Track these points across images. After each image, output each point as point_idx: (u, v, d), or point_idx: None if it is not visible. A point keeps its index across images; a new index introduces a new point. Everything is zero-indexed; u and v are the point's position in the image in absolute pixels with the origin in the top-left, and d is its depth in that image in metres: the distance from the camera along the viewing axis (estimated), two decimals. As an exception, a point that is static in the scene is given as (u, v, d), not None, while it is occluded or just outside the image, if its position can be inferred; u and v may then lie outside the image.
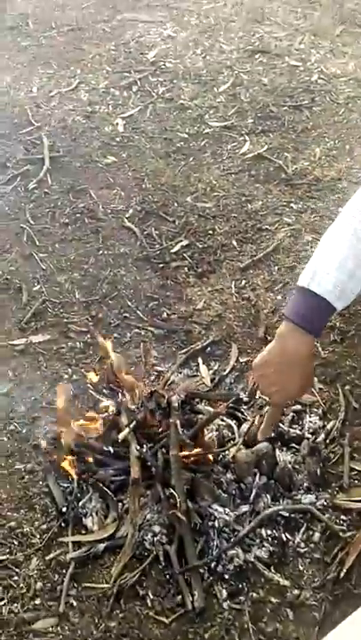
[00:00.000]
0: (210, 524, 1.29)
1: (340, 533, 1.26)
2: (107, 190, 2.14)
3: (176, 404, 1.42)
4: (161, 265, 1.89)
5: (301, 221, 1.95)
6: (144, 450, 1.36)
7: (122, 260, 1.90)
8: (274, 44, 2.75)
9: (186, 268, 1.87)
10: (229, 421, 1.47)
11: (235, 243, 1.92)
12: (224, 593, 1.21)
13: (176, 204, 2.08)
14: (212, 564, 1.24)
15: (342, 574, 1.21)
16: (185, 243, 1.94)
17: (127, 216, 2.04)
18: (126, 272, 1.87)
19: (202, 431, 1.40)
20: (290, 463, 1.38)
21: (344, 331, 1.63)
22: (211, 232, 1.96)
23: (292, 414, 1.49)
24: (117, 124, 2.41)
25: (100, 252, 1.93)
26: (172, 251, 1.92)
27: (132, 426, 1.40)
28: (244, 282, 1.81)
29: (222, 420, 1.48)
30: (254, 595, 1.21)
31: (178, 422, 1.37)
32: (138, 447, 1.36)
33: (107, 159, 2.26)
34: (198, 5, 3.13)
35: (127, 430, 1.38)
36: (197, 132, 2.36)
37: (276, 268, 1.83)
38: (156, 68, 2.72)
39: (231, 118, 2.39)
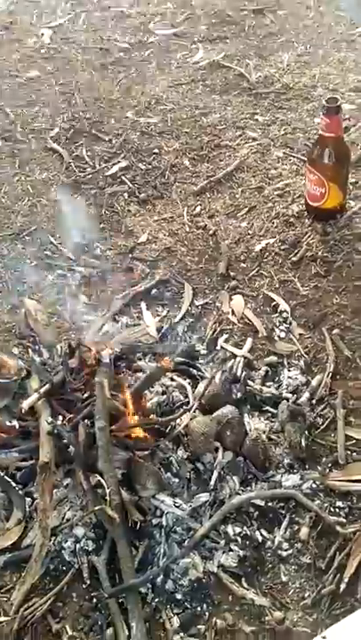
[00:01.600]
0: (155, 522, 0.92)
1: (338, 527, 0.90)
2: (27, 108, 1.72)
3: (107, 360, 1.03)
4: (94, 191, 1.48)
5: (270, 135, 1.56)
6: (59, 422, 0.97)
7: (43, 188, 1.49)
8: None
9: (125, 194, 1.47)
10: (181, 381, 1.09)
11: (187, 162, 1.53)
12: (175, 621, 0.84)
13: (113, 121, 1.67)
14: (158, 580, 0.87)
15: (343, 586, 0.85)
16: (124, 164, 1.54)
17: (51, 136, 1.63)
18: (49, 202, 1.47)
19: (142, 395, 1.02)
20: (264, 433, 1.01)
21: (329, 261, 1.26)
22: (157, 151, 1.56)
23: (265, 369, 1.11)
24: (43, 34, 1.97)
25: (17, 178, 1.51)
26: (108, 174, 1.52)
27: (42, 390, 1.00)
28: (199, 208, 1.42)
29: (172, 380, 1.10)
30: (219, 622, 0.84)
31: (106, 383, 0.98)
32: (50, 419, 0.96)
33: (29, 73, 1.83)
34: None
35: (35, 396, 0.99)
36: (140, 41, 1.95)
37: (240, 189, 1.44)
38: (91, -26, 2.28)
39: (181, 25, 1.98)
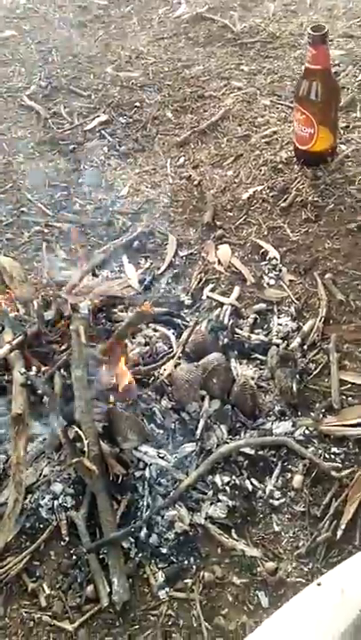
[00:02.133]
0: (138, 474, 0.86)
1: (333, 472, 0.84)
2: (2, 68, 1.65)
3: (86, 311, 0.97)
4: (72, 147, 1.41)
5: (256, 84, 1.49)
6: (33, 373, 0.90)
7: (19, 145, 1.43)
8: None
9: (105, 148, 1.40)
10: (165, 330, 1.03)
11: (169, 114, 1.46)
12: (160, 576, 0.78)
13: (92, 77, 1.59)
14: (142, 534, 0.81)
15: (339, 532, 0.79)
16: (103, 118, 1.47)
17: (28, 94, 1.56)
18: (25, 159, 1.40)
19: (122, 343, 0.96)
20: (252, 379, 0.95)
21: (320, 206, 1.19)
22: (138, 104, 1.49)
23: (253, 316, 1.05)
24: (19, -6, 1.90)
25: (-8, 137, 1.45)
26: (87, 128, 1.45)
27: (15, 342, 0.94)
28: (182, 159, 1.35)
29: (155, 331, 1.04)
30: (207, 575, 0.78)
31: (82, 329, 0.92)
32: (23, 370, 0.90)
33: (3, 33, 1.76)
34: None
35: (7, 347, 0.92)
36: (120, -4, 1.87)
37: (225, 139, 1.37)
38: None
39: (162, -20, 1.90)
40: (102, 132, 1.44)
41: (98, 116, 1.48)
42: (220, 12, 1.74)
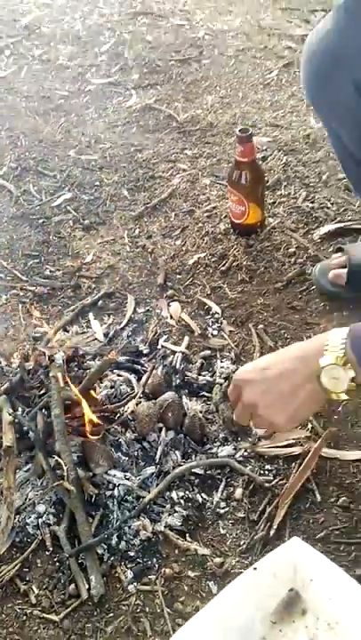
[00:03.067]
0: (108, 493, 1.04)
1: (267, 485, 1.05)
2: (-24, 151, 1.87)
3: (60, 361, 1.17)
4: (41, 221, 1.63)
5: (198, 166, 1.75)
6: (19, 412, 1.09)
7: (-6, 219, 1.64)
8: (156, 7, 2.58)
9: (70, 222, 1.63)
10: (127, 375, 1.23)
11: (125, 192, 1.70)
12: (129, 574, 0.96)
13: (57, 159, 1.83)
14: (113, 541, 0.99)
15: (272, 532, 0.99)
16: (68, 196, 1.70)
17: (0, 174, 1.78)
18: (0, 232, 1.61)
19: (93, 387, 1.15)
20: (200, 412, 1.15)
21: (252, 269, 1.43)
22: (97, 184, 1.74)
23: (200, 361, 1.27)
24: (-12, 86, 2.15)
25: (-32, 212, 1.65)
26: (54, 205, 1.67)
27: (2, 388, 1.13)
28: (137, 230, 1.59)
29: (119, 376, 1.24)
30: (167, 571, 0.96)
31: (60, 375, 1.11)
32: (11, 411, 1.09)
33: (-24, 121, 2.00)
34: (76, -24, 2.94)
35: (-4, 392, 1.11)
36: (79, 89, 2.14)
37: (173, 213, 1.62)
38: (31, 32, 2.48)
39: (115, 75, 2.19)
40: (67, 207, 1.67)
41: (63, 194, 1.71)
42: (165, 103, 2.02)
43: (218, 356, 1.28)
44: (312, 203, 1.58)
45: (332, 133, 1.20)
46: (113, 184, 1.73)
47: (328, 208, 1.56)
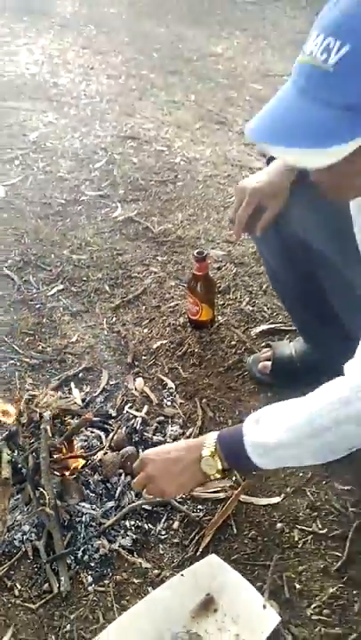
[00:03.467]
0: (77, 519, 1.38)
1: (197, 519, 1.40)
2: (-13, 246, 2.30)
3: (48, 418, 1.53)
4: (38, 306, 2.03)
5: (166, 270, 2.19)
6: (15, 454, 1.44)
7: (0, 303, 2.03)
8: (143, 133, 3.13)
9: (61, 309, 2.03)
10: (98, 432, 1.59)
11: (107, 287, 2.12)
12: (89, 578, 1.29)
13: (53, 256, 2.26)
14: (79, 554, 1.32)
15: (198, 553, 1.34)
16: (61, 287, 2.11)
17: (6, 265, 2.19)
18: (4, 313, 2.00)
19: (72, 439, 1.51)
20: (152, 463, 1.51)
21: (202, 355, 1.84)
22: (85, 279, 2.16)
23: (155, 425, 1.64)
24: (-1, 190, 2.61)
25: (-22, 295, 2.05)
26: (49, 294, 2.08)
27: (3, 437, 1.48)
28: (114, 319, 1.99)
29: (92, 432, 1.60)
30: (118, 577, 1.29)
31: (48, 428, 1.47)
32: (9, 452, 1.43)
33: (-13, 220, 2.43)
34: (77, 100, 3.50)
35: (-1, 438, 1.46)
36: (74, 199, 2.61)
37: (144, 307, 2.03)
38: (37, 146, 2.99)
39: (105, 189, 2.67)
40: (59, 296, 2.08)
41: (57, 285, 2.12)
42: (144, 217, 2.49)
43: (169, 421, 1.65)
44: (253, 306, 2.02)
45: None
46: (97, 280, 2.15)
47: (264, 312, 2.00)
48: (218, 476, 1.18)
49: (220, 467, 1.16)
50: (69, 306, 2.04)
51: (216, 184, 2.71)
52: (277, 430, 1.08)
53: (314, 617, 1.24)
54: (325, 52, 0.82)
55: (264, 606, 1.19)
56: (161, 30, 4.97)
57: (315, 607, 1.25)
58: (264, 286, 2.10)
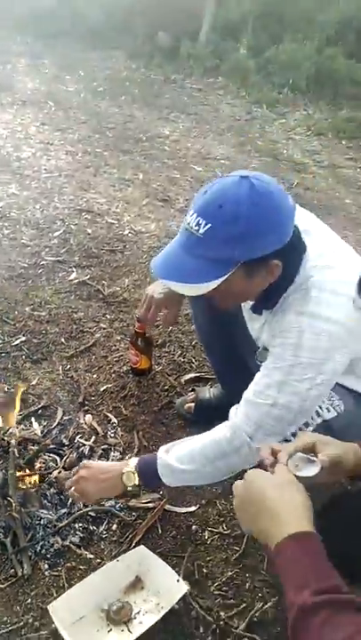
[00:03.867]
0: (37, 522, 1.76)
1: (131, 522, 1.80)
2: None
3: (14, 444, 1.92)
4: (3, 354, 2.43)
5: (113, 327, 2.64)
6: (-12, 471, 1.82)
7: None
8: (97, 207, 3.63)
9: (23, 357, 2.43)
10: (54, 456, 1.99)
11: (63, 340, 2.54)
12: (46, 566, 1.67)
13: (17, 312, 2.67)
14: (38, 548, 1.69)
15: (132, 546, 1.74)
16: (23, 339, 2.52)
17: (-26, 322, 2.60)
18: (-28, 365, 2.39)
19: (34, 460, 1.90)
20: (97, 480, 1.92)
21: (140, 397, 2.27)
22: (44, 332, 2.57)
23: (100, 451, 2.05)
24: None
25: None
26: (13, 344, 2.48)
27: (-21, 456, 1.86)
28: (69, 366, 2.41)
29: (49, 456, 1.99)
30: (68, 565, 1.67)
31: (15, 451, 1.86)
32: (-17, 469, 1.81)
33: None
34: (38, 174, 3.99)
35: (-24, 458, 1.84)
36: (35, 263, 3.04)
37: (94, 357, 2.46)
38: (2, 215, 3.43)
39: (62, 255, 3.13)
40: (22, 347, 2.48)
41: (20, 337, 2.53)
42: (96, 281, 2.95)
43: (112, 449, 2.06)
44: (183, 358, 2.48)
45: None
46: (54, 333, 2.57)
47: (193, 363, 2.46)
48: (134, 489, 1.60)
49: (136, 482, 1.58)
50: (30, 355, 2.44)
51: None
52: (181, 458, 1.53)
53: (215, 592, 1.65)
54: (197, 225, 1.33)
55: (178, 580, 1.60)
56: (115, 110, 5.58)
57: (217, 585, 1.67)
58: (194, 342, 2.57)
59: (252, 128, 5.46)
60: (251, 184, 1.33)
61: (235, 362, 1.90)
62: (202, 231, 1.32)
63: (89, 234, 3.35)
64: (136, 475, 1.58)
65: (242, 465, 1.50)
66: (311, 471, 1.16)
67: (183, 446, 1.56)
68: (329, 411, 1.63)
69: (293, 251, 1.42)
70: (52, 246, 3.20)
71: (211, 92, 6.40)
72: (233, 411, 1.54)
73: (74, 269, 3.02)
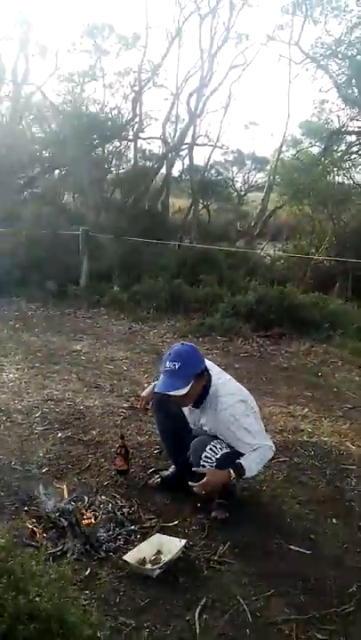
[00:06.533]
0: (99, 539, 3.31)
1: (153, 525, 3.41)
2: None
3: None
4: (39, 477, 3.98)
5: (96, 456, 4.32)
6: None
7: None
8: (56, 396, 5.40)
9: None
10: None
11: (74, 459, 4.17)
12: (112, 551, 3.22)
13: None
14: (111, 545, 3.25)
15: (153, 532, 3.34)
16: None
17: None
18: None
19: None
20: (122, 517, 3.53)
21: (126, 484, 3.93)
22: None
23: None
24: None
25: None
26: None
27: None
28: (83, 479, 4.02)
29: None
30: (124, 548, 3.23)
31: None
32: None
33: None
34: (4, 383, 5.72)
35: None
36: (30, 433, 4.68)
37: (103, 460, 4.11)
38: (-3, 409, 5.07)
39: (46, 425, 4.80)
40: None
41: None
42: (75, 434, 4.65)
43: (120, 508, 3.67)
44: (148, 461, 4.20)
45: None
46: (66, 460, 4.19)
47: (157, 464, 4.19)
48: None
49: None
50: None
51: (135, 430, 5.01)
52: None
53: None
54: (173, 365, 3.42)
55: (180, 541, 3.23)
56: (35, 338, 7.58)
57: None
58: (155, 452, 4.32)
59: (136, 338, 7.74)
60: (187, 344, 3.40)
61: (179, 438, 3.75)
62: (176, 367, 3.36)
63: (57, 412, 5.08)
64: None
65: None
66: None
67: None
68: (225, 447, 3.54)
69: (207, 371, 3.45)
70: (38, 422, 4.88)
71: (99, 319, 8.72)
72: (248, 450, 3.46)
73: (58, 431, 4.70)
